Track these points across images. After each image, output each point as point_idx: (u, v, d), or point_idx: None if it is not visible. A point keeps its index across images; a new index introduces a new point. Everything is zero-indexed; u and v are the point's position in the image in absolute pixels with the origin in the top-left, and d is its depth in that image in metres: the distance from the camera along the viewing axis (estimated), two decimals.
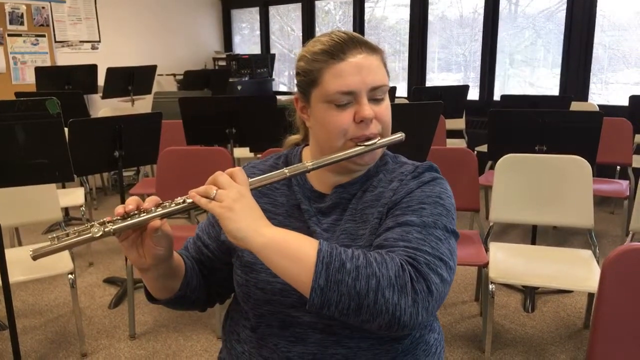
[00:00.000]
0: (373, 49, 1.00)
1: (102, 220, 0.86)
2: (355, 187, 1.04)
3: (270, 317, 1.00)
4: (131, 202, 0.89)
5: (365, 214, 1.00)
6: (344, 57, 0.97)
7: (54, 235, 0.84)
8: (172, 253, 0.98)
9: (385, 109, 1.00)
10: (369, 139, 0.98)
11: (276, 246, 0.84)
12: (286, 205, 1.06)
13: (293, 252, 0.84)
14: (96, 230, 0.84)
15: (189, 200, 0.88)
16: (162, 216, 0.88)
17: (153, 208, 0.89)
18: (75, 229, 0.86)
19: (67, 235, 0.85)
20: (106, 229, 0.85)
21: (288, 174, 0.94)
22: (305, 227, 1.02)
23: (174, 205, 0.89)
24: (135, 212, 0.88)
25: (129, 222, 0.87)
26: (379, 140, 0.99)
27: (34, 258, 0.84)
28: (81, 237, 0.85)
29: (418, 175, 1.02)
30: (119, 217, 0.87)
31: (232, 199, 0.86)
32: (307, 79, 1.00)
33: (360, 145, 0.98)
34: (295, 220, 1.04)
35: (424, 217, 0.93)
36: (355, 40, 0.99)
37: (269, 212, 1.06)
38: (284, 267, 0.84)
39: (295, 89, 1.06)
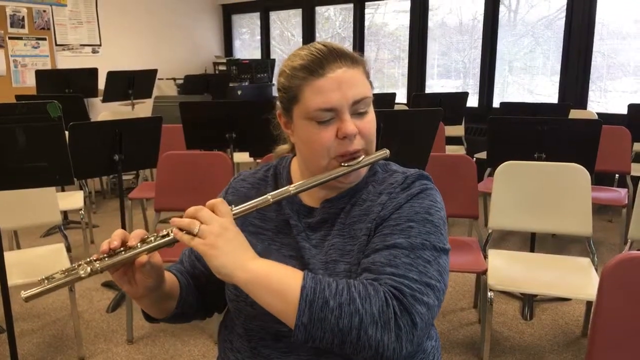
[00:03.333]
0: (354, 61, 0.97)
1: (89, 260, 0.88)
2: (344, 201, 1.03)
3: (261, 331, 1.00)
4: (116, 237, 0.89)
5: (353, 230, 0.99)
6: (323, 72, 0.94)
7: (44, 277, 0.87)
8: (164, 281, 0.98)
9: (368, 122, 0.98)
10: (353, 155, 0.97)
11: (260, 282, 0.85)
12: (275, 220, 1.05)
13: (277, 288, 0.84)
14: (83, 271, 0.86)
15: (172, 234, 0.89)
16: (148, 251, 0.89)
17: (138, 244, 0.89)
18: (64, 269, 0.88)
19: (56, 276, 0.87)
20: (93, 268, 0.87)
21: (272, 200, 0.94)
22: (294, 243, 1.02)
23: (159, 239, 0.89)
24: (121, 248, 0.88)
25: (115, 260, 0.88)
26: (363, 159, 0.98)
27: (26, 300, 0.86)
28: (70, 278, 0.87)
29: (407, 186, 1.00)
30: (105, 255, 0.88)
31: (215, 234, 0.86)
32: (288, 95, 0.98)
33: (344, 166, 0.97)
34: (284, 236, 1.03)
35: (412, 237, 0.91)
36: (334, 54, 0.96)
37: (259, 227, 1.06)
38: (268, 302, 0.85)
39: (278, 104, 1.04)
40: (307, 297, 0.82)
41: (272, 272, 0.86)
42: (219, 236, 0.86)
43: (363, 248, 0.95)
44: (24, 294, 0.86)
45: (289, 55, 1.01)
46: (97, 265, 0.87)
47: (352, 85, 0.95)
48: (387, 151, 1.01)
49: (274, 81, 7.01)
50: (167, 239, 0.89)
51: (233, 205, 0.93)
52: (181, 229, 0.88)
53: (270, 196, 0.94)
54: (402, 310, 0.83)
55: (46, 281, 0.86)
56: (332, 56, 0.96)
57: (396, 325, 0.81)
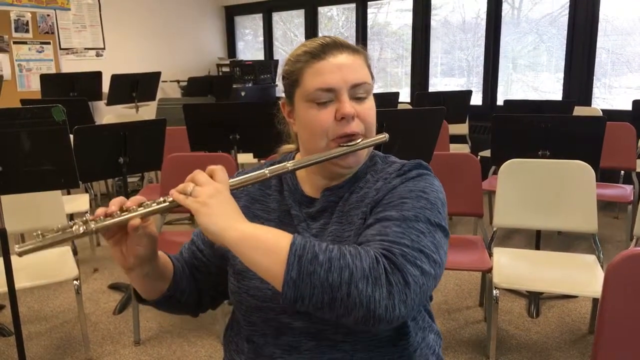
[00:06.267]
0: (355, 51, 1.01)
1: (84, 219, 0.88)
2: (344, 190, 1.04)
3: (262, 324, 1.00)
4: (114, 203, 0.91)
5: (350, 216, 1.00)
6: (324, 56, 0.97)
7: (38, 232, 0.86)
8: (156, 254, 0.99)
9: (368, 108, 1.00)
10: (351, 138, 0.98)
11: (249, 240, 0.84)
12: (278, 211, 1.07)
13: (266, 246, 0.83)
14: (78, 227, 0.86)
15: (169, 200, 0.90)
16: (143, 215, 0.89)
17: (134, 207, 0.89)
18: (59, 226, 0.87)
19: (51, 232, 0.86)
20: (88, 228, 0.86)
21: (268, 175, 0.95)
22: (295, 233, 1.03)
23: (155, 204, 0.90)
24: (118, 212, 0.89)
25: (110, 221, 0.88)
26: (362, 141, 0.99)
27: (20, 254, 0.85)
28: (64, 236, 0.86)
29: (404, 173, 1.00)
30: (101, 216, 0.89)
31: (208, 194, 0.87)
32: (290, 80, 1.01)
33: (343, 146, 0.98)
34: (286, 225, 1.04)
35: (404, 211, 0.90)
36: (338, 43, 1.00)
37: (262, 218, 1.07)
38: (257, 260, 0.83)
39: (282, 93, 1.07)
40: (296, 251, 0.81)
41: (262, 232, 0.86)
42: (211, 196, 0.87)
43: (359, 232, 0.96)
44: (18, 248, 0.85)
45: (296, 47, 1.04)
46: (92, 225, 0.87)
47: (352, 70, 0.98)
48: (386, 135, 1.02)
49: (278, 82, 7.02)
50: (162, 205, 0.90)
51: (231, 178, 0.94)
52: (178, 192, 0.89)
53: (267, 170, 0.95)
54: (393, 267, 0.81)
55: (40, 236, 0.86)
56: (335, 44, 0.99)
57: (387, 281, 0.79)
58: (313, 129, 0.98)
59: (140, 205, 0.90)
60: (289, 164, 0.96)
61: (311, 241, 0.83)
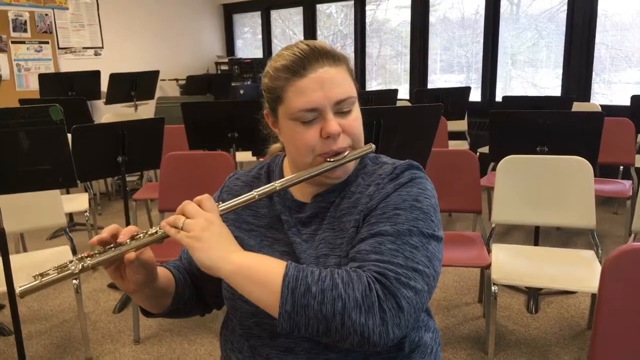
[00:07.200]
0: (336, 60, 0.97)
1: (80, 256, 0.90)
2: (334, 195, 1.03)
3: (257, 329, 1.00)
4: (106, 231, 0.92)
5: (342, 222, 0.99)
6: (304, 72, 0.94)
7: (37, 274, 0.89)
8: (156, 277, 1.00)
9: (353, 120, 0.98)
10: (337, 153, 0.97)
11: (244, 273, 0.86)
12: (268, 216, 1.06)
13: (260, 278, 0.85)
14: (74, 267, 0.89)
15: (161, 231, 0.91)
16: (136, 248, 0.91)
17: (128, 240, 0.91)
18: (56, 266, 0.90)
19: (49, 273, 0.90)
20: (85, 265, 0.89)
21: (257, 197, 0.95)
22: (285, 238, 1.02)
23: (147, 236, 0.92)
24: (112, 244, 0.91)
25: (105, 257, 0.90)
26: (348, 154, 0.98)
27: (21, 295, 0.89)
28: (62, 274, 0.89)
29: (396, 177, 0.99)
30: (96, 252, 0.91)
31: (200, 227, 0.87)
32: (272, 96, 0.99)
33: (329, 161, 0.97)
34: (276, 231, 1.04)
35: (398, 224, 0.90)
36: (316, 53, 0.96)
37: (251, 224, 1.07)
38: (252, 292, 0.86)
39: (265, 104, 1.05)
40: (289, 284, 0.82)
41: (256, 263, 0.87)
42: (203, 230, 0.87)
43: (352, 240, 0.95)
44: (19, 289, 0.89)
45: (274, 56, 1.02)
46: (88, 261, 0.89)
47: (335, 85, 0.95)
48: (373, 146, 1.01)
49: None
50: (155, 236, 0.91)
51: (220, 202, 0.94)
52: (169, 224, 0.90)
53: (256, 192, 0.95)
54: (387, 293, 0.82)
55: (40, 277, 0.89)
56: (313, 56, 0.96)
57: (380, 308, 0.81)
58: (299, 146, 0.98)
59: (133, 237, 0.91)
60: (277, 184, 0.96)
61: (304, 271, 0.84)
